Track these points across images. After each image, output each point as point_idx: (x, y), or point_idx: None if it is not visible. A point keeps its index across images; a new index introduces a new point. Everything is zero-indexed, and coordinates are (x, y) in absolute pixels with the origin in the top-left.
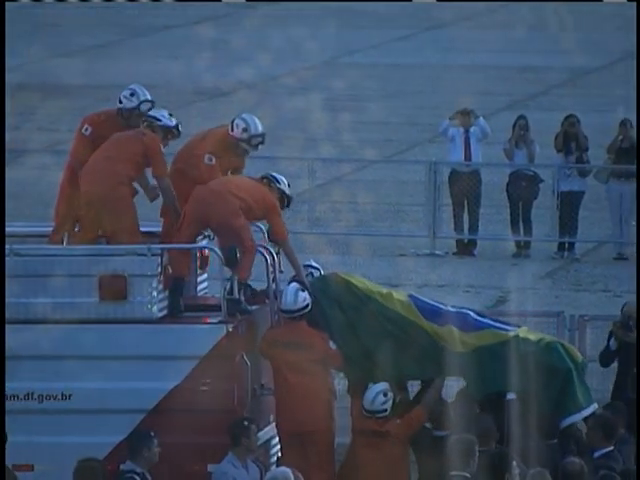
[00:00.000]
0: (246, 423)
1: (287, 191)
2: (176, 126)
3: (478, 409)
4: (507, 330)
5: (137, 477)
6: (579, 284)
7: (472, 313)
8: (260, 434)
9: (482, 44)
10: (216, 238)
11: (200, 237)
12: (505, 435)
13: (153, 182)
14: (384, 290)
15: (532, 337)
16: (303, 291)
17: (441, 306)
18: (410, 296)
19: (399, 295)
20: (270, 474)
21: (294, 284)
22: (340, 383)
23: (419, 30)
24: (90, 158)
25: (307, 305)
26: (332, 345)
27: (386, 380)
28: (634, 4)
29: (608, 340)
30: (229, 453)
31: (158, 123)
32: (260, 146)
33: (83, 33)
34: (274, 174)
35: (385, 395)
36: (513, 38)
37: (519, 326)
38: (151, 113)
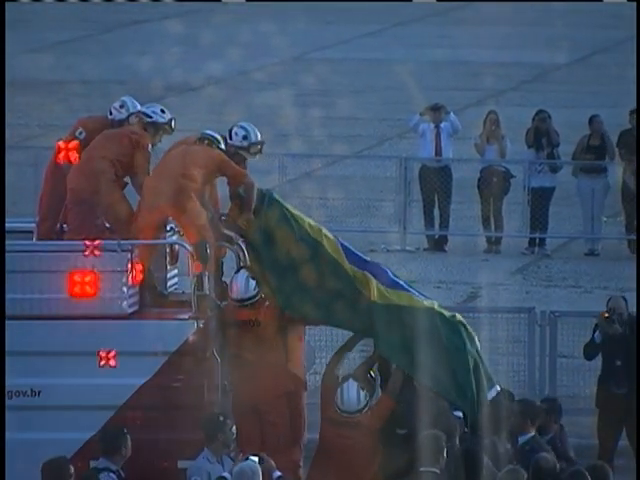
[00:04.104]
0: (222, 418)
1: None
2: (169, 122)
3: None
4: (422, 298)
5: (113, 474)
6: (550, 280)
7: (390, 272)
8: (233, 429)
9: (451, 40)
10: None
11: (170, 233)
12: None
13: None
14: (314, 223)
15: (445, 312)
16: (253, 279)
17: (363, 255)
18: (337, 238)
19: (327, 232)
20: (238, 467)
21: (243, 272)
22: (311, 379)
23: (388, 26)
24: (81, 156)
25: (257, 293)
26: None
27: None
28: (634, 4)
29: (593, 333)
30: (204, 449)
31: (148, 120)
32: (258, 155)
33: (52, 29)
34: (211, 133)
35: (362, 390)
36: (482, 34)
37: (430, 299)
38: (142, 109)
